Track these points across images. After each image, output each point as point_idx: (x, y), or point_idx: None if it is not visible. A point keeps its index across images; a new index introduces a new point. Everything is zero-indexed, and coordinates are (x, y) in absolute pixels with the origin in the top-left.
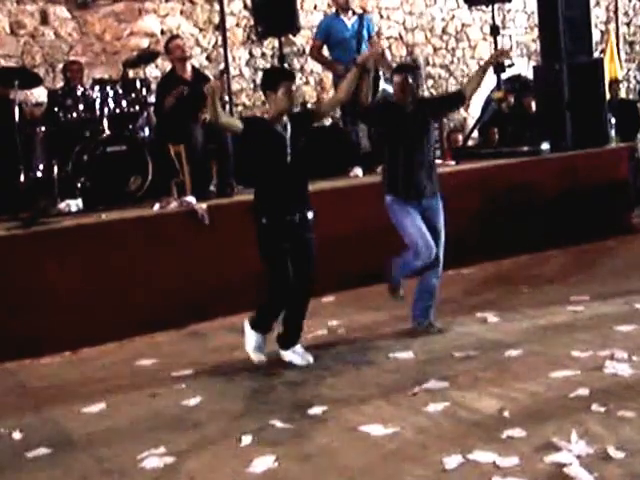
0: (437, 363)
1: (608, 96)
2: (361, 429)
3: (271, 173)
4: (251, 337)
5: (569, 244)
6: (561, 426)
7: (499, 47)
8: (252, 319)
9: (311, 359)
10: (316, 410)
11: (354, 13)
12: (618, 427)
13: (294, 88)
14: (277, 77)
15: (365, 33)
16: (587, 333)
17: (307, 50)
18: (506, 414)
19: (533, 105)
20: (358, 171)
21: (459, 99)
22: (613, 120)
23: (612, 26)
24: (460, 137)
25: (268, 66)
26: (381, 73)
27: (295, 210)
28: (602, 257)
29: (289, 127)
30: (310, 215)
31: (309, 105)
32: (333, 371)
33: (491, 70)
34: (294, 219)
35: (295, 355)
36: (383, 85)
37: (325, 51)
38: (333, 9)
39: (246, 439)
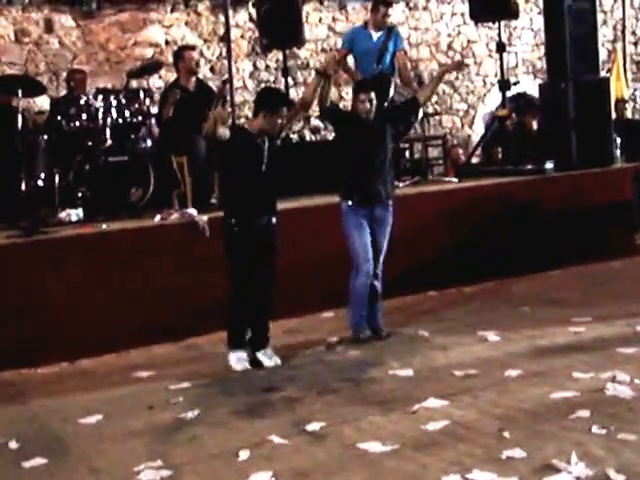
0: (437, 381)
1: (614, 115)
2: (359, 446)
3: (246, 179)
4: (232, 357)
5: (572, 264)
6: (561, 447)
7: (457, 59)
8: (228, 343)
9: (279, 361)
10: (314, 426)
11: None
12: (618, 450)
13: (285, 117)
14: (278, 103)
15: (391, 46)
16: (588, 354)
17: (311, 63)
18: (506, 434)
19: (535, 124)
20: None
21: (414, 105)
22: (618, 140)
23: (619, 45)
24: (460, 152)
25: (272, 79)
26: (397, 81)
27: (262, 213)
28: (605, 278)
29: (266, 139)
30: (274, 220)
31: None
32: (332, 387)
33: (496, 87)
34: (261, 222)
35: (264, 357)
36: (393, 93)
37: (351, 61)
38: (355, 19)
39: (243, 454)
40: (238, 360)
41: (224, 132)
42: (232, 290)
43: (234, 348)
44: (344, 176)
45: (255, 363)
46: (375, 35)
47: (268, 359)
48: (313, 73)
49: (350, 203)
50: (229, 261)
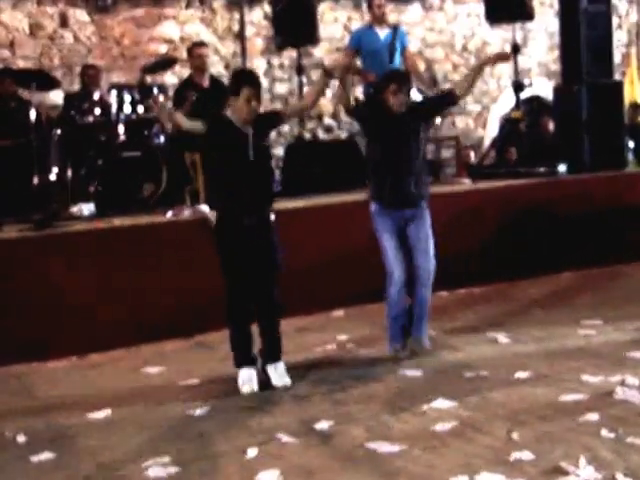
0: (446, 382)
1: (627, 120)
2: (368, 445)
3: (232, 171)
4: (238, 377)
5: (583, 267)
6: (570, 450)
7: (504, 52)
8: (234, 361)
9: (288, 382)
10: (322, 425)
11: (388, 25)
12: (627, 453)
13: (256, 96)
14: (239, 81)
15: (398, 45)
16: (598, 358)
17: (326, 62)
18: (514, 436)
19: (550, 126)
20: None
21: (450, 98)
22: (631, 144)
23: (634, 50)
24: (472, 153)
25: (286, 77)
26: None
27: (254, 210)
28: (616, 282)
29: (251, 127)
30: (272, 217)
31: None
32: (341, 386)
33: (510, 90)
34: (252, 220)
35: (273, 373)
36: (415, 96)
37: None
38: (366, 19)
39: (251, 452)
40: (243, 381)
41: (193, 124)
42: (225, 298)
43: (238, 365)
44: (373, 175)
45: (265, 384)
46: (382, 34)
47: (278, 377)
48: (319, 72)
49: (379, 204)
50: (220, 263)
